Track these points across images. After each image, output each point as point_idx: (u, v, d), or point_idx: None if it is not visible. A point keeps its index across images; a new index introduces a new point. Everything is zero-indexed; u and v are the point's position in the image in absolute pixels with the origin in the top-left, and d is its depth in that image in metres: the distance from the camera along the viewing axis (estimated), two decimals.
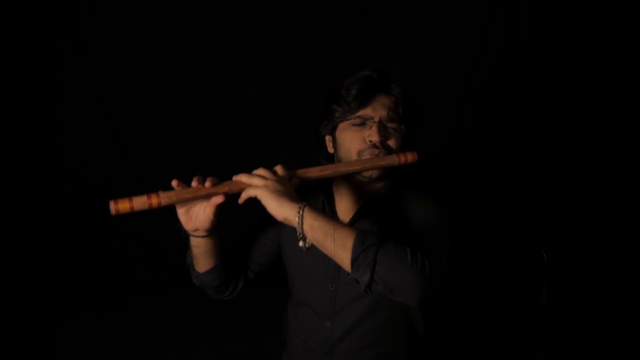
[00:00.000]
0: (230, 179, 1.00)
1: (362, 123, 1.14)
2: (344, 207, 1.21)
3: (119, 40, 2.49)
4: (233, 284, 1.24)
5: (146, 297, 2.77)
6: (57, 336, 2.36)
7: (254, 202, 0.96)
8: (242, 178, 0.98)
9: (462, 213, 2.54)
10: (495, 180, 2.79)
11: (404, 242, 0.92)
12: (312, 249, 0.94)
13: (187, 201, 1.00)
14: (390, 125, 1.15)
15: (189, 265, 1.20)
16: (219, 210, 1.02)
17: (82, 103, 2.58)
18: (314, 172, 1.06)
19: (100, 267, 2.83)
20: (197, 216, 1.03)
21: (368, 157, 1.12)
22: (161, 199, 0.93)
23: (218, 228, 1.07)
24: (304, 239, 0.93)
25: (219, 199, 0.99)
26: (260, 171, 0.99)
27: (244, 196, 0.97)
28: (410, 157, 1.12)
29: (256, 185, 0.95)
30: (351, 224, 1.16)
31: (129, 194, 0.92)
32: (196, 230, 1.05)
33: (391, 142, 1.14)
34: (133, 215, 0.93)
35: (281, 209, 0.92)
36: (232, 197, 1.00)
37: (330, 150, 1.23)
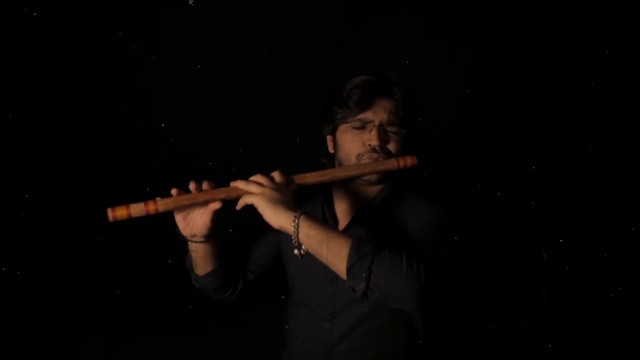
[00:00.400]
0: (230, 178, 1.00)
1: (362, 126, 1.13)
2: (344, 209, 1.21)
3: (119, 41, 2.48)
4: (233, 286, 1.24)
5: (146, 297, 2.76)
6: (57, 336, 2.36)
7: (252, 207, 0.96)
8: (240, 185, 0.98)
9: (462, 213, 2.53)
10: (495, 180, 2.78)
11: (400, 248, 0.91)
12: None
13: (184, 208, 1.00)
14: (390, 128, 1.14)
15: (189, 268, 1.20)
16: (217, 216, 1.02)
17: (83, 103, 2.58)
18: (312, 177, 1.06)
19: (100, 267, 2.83)
20: (194, 222, 1.03)
21: (367, 161, 1.12)
22: (158, 206, 0.93)
23: (216, 233, 1.07)
24: (299, 247, 0.93)
25: (216, 206, 0.99)
26: (258, 178, 0.99)
27: (241, 203, 0.97)
28: (409, 161, 1.11)
29: (253, 193, 0.96)
30: (348, 228, 1.16)
31: (129, 194, 0.92)
32: (194, 235, 1.06)
33: (391, 146, 1.14)
34: None
35: (277, 218, 0.92)
36: (229, 202, 1.00)
37: (331, 150, 1.23)
